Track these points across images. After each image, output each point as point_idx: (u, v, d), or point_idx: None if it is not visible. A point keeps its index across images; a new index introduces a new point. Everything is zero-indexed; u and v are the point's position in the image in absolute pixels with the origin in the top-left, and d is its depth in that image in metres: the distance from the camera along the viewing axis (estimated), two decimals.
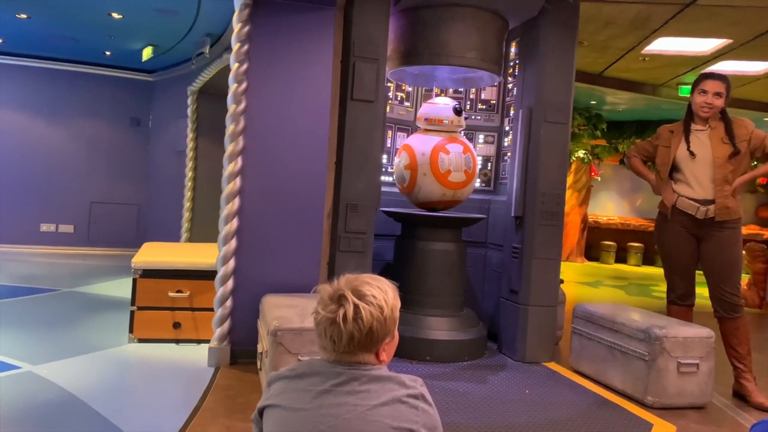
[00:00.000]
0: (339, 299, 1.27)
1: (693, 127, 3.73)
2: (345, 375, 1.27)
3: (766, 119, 8.85)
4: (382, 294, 1.29)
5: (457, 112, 4.34)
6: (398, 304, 1.33)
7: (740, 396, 3.64)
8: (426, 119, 4.43)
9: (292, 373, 1.34)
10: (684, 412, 3.34)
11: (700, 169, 3.66)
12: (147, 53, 7.23)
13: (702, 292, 3.76)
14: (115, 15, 5.88)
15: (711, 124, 3.68)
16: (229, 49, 3.93)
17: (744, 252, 7.07)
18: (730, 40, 5.61)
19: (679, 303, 3.84)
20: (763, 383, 3.79)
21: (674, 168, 3.77)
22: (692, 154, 3.65)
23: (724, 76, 3.69)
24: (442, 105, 4.43)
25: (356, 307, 1.25)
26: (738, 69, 6.55)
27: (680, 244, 3.77)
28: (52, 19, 6.28)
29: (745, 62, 6.32)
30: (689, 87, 3.88)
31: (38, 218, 8.39)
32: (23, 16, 6.16)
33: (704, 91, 3.64)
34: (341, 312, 1.25)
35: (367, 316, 1.25)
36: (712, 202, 3.62)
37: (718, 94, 3.61)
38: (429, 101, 4.57)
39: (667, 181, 3.78)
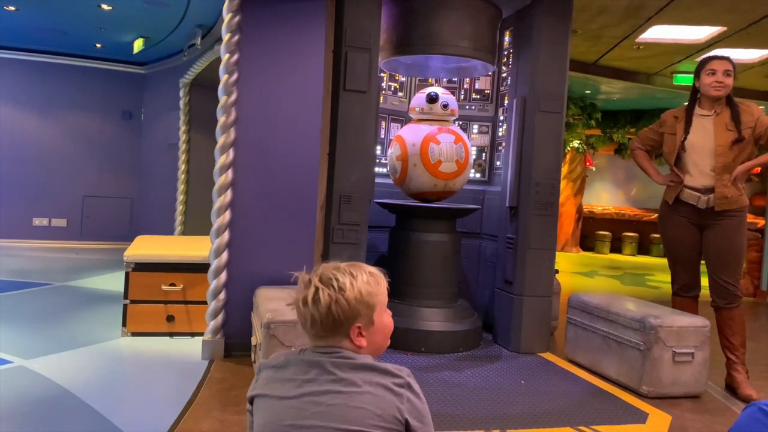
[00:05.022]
0: (308, 284, 1.30)
1: (698, 111, 3.62)
2: (328, 363, 1.28)
3: (761, 107, 8.85)
4: (348, 278, 1.29)
5: (431, 99, 4.30)
6: (374, 289, 1.32)
7: (731, 388, 3.57)
8: (410, 108, 4.45)
9: (278, 363, 1.35)
10: (679, 402, 3.34)
11: (701, 157, 3.57)
12: (138, 45, 7.17)
13: (704, 282, 3.71)
14: (104, 7, 5.82)
15: (716, 110, 3.57)
16: (220, 40, 3.89)
17: None
18: (725, 28, 5.60)
19: (683, 294, 3.79)
20: (756, 372, 3.79)
21: (676, 156, 3.67)
22: (686, 144, 3.58)
23: (728, 57, 3.61)
24: (423, 94, 4.40)
25: (316, 290, 1.27)
26: (732, 57, 6.52)
27: (682, 235, 3.70)
28: (42, 12, 6.21)
29: (739, 50, 6.29)
30: (684, 76, 3.83)
31: (31, 212, 8.35)
32: (12, 8, 6.09)
33: (713, 71, 3.55)
34: (302, 296, 1.29)
35: (325, 297, 1.26)
36: (713, 190, 3.54)
37: (727, 72, 3.53)
38: (420, 91, 4.54)
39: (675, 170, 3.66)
